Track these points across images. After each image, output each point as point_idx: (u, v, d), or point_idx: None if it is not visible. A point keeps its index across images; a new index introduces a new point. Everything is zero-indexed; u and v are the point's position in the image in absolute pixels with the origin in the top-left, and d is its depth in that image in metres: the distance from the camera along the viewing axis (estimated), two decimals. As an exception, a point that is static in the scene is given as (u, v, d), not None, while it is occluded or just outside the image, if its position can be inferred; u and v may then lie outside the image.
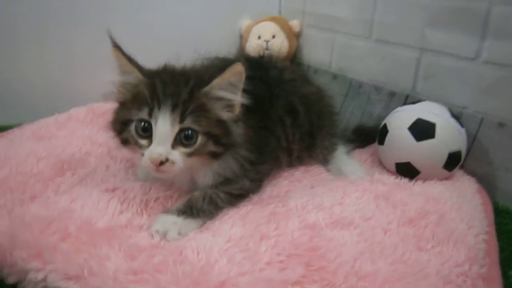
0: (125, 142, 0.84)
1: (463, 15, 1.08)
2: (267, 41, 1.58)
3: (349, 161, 1.11)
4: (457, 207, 0.89)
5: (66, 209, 0.79)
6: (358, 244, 0.75)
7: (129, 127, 0.81)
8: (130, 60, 0.82)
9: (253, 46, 1.59)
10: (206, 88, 0.80)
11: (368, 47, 1.37)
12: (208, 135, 0.80)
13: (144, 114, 0.78)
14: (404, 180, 1.02)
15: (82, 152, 1.05)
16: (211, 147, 0.81)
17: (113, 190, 0.90)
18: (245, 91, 0.82)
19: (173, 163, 0.78)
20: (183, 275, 0.65)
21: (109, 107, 0.88)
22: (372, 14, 1.33)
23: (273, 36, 1.59)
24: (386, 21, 1.29)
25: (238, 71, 0.79)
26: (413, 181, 1.02)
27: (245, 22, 1.67)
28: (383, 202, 0.89)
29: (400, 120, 1.04)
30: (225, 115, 0.82)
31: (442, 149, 0.99)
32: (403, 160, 1.03)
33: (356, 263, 0.70)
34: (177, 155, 0.78)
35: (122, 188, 0.90)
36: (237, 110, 0.83)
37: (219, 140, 0.81)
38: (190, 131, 0.78)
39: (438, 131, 0.99)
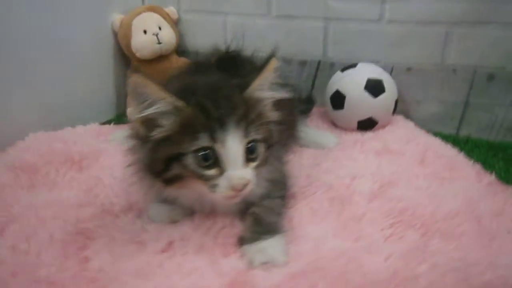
0: (173, 180, 0.71)
1: (362, -17, 1.27)
2: (156, 34, 1.43)
3: (317, 132, 1.20)
4: (427, 141, 1.13)
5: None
6: (421, 194, 0.87)
7: (179, 162, 0.69)
8: (159, 85, 0.68)
9: (143, 43, 1.42)
10: (249, 92, 0.73)
11: (268, 24, 1.43)
12: (264, 141, 0.75)
13: (204, 141, 0.68)
14: (369, 133, 1.19)
15: (73, 225, 0.79)
16: (266, 153, 0.76)
17: (170, 244, 0.74)
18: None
19: (250, 183, 0.71)
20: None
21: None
22: (268, -8, 1.39)
23: (159, 28, 1.45)
24: (285, -3, 1.38)
25: (275, 67, 0.75)
26: (373, 131, 1.20)
27: (116, 17, 1.45)
28: (389, 156, 1.04)
29: (353, 83, 1.19)
30: (272, 115, 0.78)
31: (391, 99, 1.20)
32: (365, 116, 1.19)
33: (440, 208, 0.82)
34: (251, 173, 0.71)
35: (178, 240, 0.75)
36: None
37: (268, 143, 0.76)
38: (253, 143, 0.72)
39: (385, 85, 1.18)
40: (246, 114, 0.71)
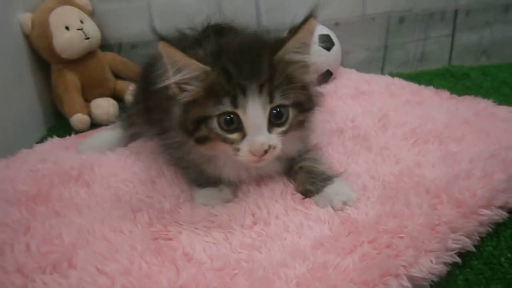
0: (203, 140, 0.73)
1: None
2: (81, 29, 1.27)
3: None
4: (381, 79, 1.30)
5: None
6: (415, 117, 1.03)
7: (206, 124, 0.71)
8: (184, 52, 0.68)
9: (69, 40, 1.25)
10: (281, 54, 0.72)
11: (197, 1, 1.41)
12: (295, 105, 0.73)
13: (226, 106, 0.69)
14: (330, 84, 1.31)
15: (142, 233, 0.71)
16: (299, 117, 0.75)
17: (254, 216, 0.74)
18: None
19: (274, 148, 0.70)
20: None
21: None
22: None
23: (81, 22, 1.29)
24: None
25: (312, 28, 0.73)
26: (332, 82, 1.32)
27: (24, 17, 1.24)
28: (364, 97, 1.18)
29: (307, 42, 1.27)
30: (307, 77, 0.78)
31: (339, 51, 1.33)
32: (324, 70, 1.30)
33: (436, 123, 0.99)
34: (275, 138, 0.71)
35: (257, 211, 0.75)
36: (311, 69, 0.79)
37: (304, 107, 0.76)
38: (279, 109, 0.71)
39: (333, 38, 1.31)
40: (271, 79, 0.69)
